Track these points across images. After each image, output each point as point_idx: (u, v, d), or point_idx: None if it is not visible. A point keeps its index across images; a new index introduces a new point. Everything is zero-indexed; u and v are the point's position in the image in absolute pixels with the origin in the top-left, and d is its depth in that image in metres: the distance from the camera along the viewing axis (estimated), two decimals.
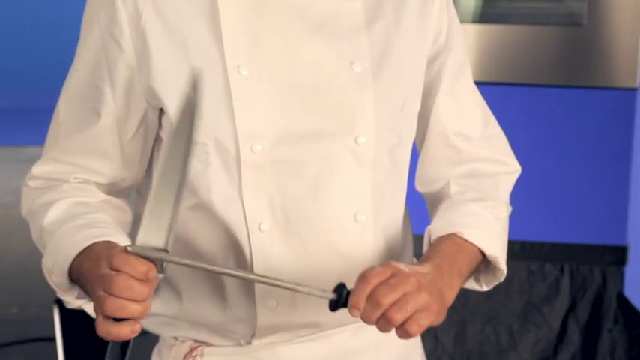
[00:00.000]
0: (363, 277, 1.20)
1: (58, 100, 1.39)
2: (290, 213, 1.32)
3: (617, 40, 2.98)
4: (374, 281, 1.19)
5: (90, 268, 1.20)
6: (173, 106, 1.26)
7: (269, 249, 1.33)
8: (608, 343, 3.00)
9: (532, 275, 3.03)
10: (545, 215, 3.07)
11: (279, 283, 1.18)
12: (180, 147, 1.15)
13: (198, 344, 1.41)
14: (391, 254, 1.41)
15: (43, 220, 1.33)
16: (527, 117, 3.05)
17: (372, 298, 1.18)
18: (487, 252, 1.38)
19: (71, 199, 1.35)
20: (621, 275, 3.00)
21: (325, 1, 1.34)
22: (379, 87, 1.35)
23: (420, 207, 1.51)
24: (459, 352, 3.07)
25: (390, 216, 1.41)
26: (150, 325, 1.41)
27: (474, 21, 3.08)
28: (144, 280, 1.13)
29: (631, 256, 3.00)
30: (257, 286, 1.34)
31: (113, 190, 1.40)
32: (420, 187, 1.50)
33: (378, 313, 1.18)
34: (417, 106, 1.42)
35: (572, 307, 3.03)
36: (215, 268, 1.20)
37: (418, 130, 1.44)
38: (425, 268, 1.26)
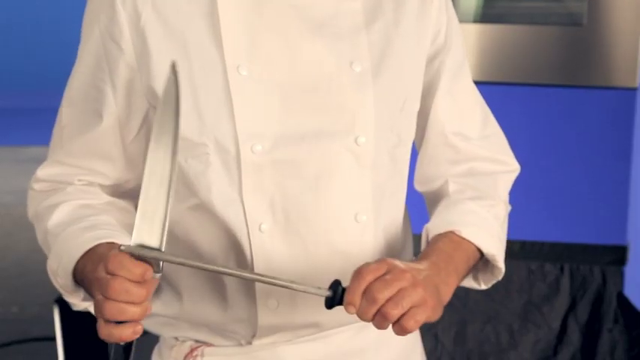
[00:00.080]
0: (358, 273, 1.20)
1: (61, 102, 1.39)
2: (290, 213, 1.32)
3: (617, 40, 2.98)
4: (369, 277, 1.19)
5: (91, 270, 1.20)
6: None
7: (269, 249, 1.33)
8: (608, 343, 3.00)
9: (532, 275, 3.03)
10: (545, 215, 3.07)
11: (275, 281, 1.18)
12: (164, 143, 1.15)
13: (198, 344, 1.41)
14: (391, 254, 1.41)
15: (48, 222, 1.34)
16: (527, 117, 3.05)
17: (367, 294, 1.18)
18: (485, 250, 1.38)
19: (75, 201, 1.36)
20: (621, 275, 3.00)
21: (325, 1, 1.34)
22: (379, 87, 1.35)
23: (419, 207, 1.51)
24: (459, 352, 3.07)
25: (390, 216, 1.41)
26: (150, 325, 1.41)
27: (474, 21, 3.08)
28: (141, 282, 1.13)
29: (631, 255, 3.00)
30: (257, 286, 1.34)
31: (117, 191, 1.40)
32: (418, 186, 1.50)
33: (373, 309, 1.18)
34: (416, 106, 1.42)
35: (572, 307, 3.03)
36: (210, 266, 1.20)
37: (417, 129, 1.44)
38: (421, 265, 1.26)
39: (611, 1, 2.97)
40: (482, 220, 1.40)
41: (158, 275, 1.16)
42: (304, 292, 1.19)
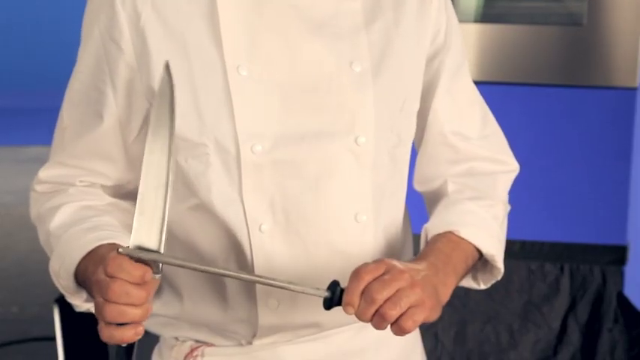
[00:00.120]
0: (356, 273, 1.20)
1: (62, 103, 1.39)
2: (290, 213, 1.32)
3: (617, 40, 2.98)
4: (367, 278, 1.19)
5: (93, 272, 1.20)
6: None
7: (269, 249, 1.33)
8: (608, 343, 3.00)
9: (532, 275, 3.03)
10: (545, 215, 3.07)
11: (273, 282, 1.18)
12: (160, 144, 1.15)
13: (198, 344, 1.41)
14: (391, 254, 1.41)
15: (50, 224, 1.34)
16: (527, 116, 3.05)
17: (365, 294, 1.18)
18: (484, 250, 1.38)
19: (77, 202, 1.36)
20: (621, 275, 2.99)
21: (325, 1, 1.34)
22: (379, 87, 1.35)
23: (419, 207, 1.51)
24: (459, 352, 3.07)
25: (390, 216, 1.41)
26: (150, 325, 1.41)
27: (474, 20, 3.07)
28: (140, 284, 1.13)
29: (631, 255, 3.00)
30: (258, 286, 1.34)
31: (119, 192, 1.41)
32: (417, 186, 1.50)
33: (372, 310, 1.18)
34: (416, 106, 1.42)
35: (572, 307, 3.03)
36: (209, 268, 1.19)
37: (416, 129, 1.44)
38: (419, 265, 1.26)
39: (611, 1, 2.97)
40: (481, 220, 1.40)
41: (158, 276, 1.16)
42: (303, 293, 1.19)
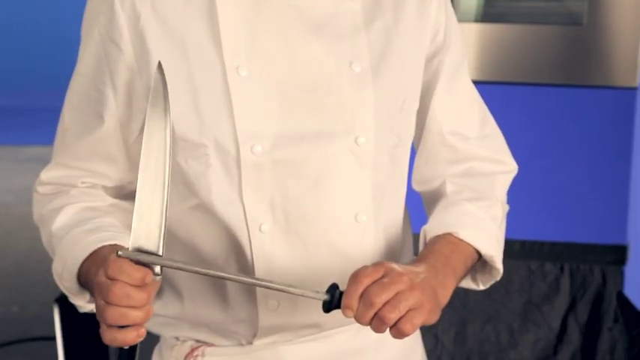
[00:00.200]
0: (355, 277, 1.20)
1: (63, 104, 1.39)
2: (290, 213, 1.32)
3: (617, 40, 2.98)
4: (366, 281, 1.19)
5: (94, 273, 1.20)
6: (174, 107, 1.26)
7: (270, 250, 1.33)
8: (608, 343, 3.00)
9: (532, 274, 3.03)
10: (545, 214, 3.07)
11: (272, 285, 1.18)
12: (156, 146, 1.15)
13: (199, 344, 1.41)
14: (391, 254, 1.41)
15: (52, 225, 1.34)
16: (527, 116, 3.05)
17: (364, 298, 1.18)
18: (483, 252, 1.37)
19: (79, 203, 1.36)
20: (621, 274, 2.99)
21: (324, 1, 1.34)
22: (379, 87, 1.35)
23: (420, 206, 1.51)
24: (459, 352, 3.07)
25: (390, 216, 1.41)
26: (151, 325, 1.41)
27: (474, 20, 3.07)
28: (141, 286, 1.13)
29: (631, 255, 3.00)
30: (258, 287, 1.34)
31: (120, 193, 1.41)
32: (416, 186, 1.50)
33: (371, 313, 1.18)
34: (415, 105, 1.42)
35: (572, 307, 3.03)
36: (208, 271, 1.19)
37: (415, 128, 1.44)
38: (418, 268, 1.26)
39: (612, 0, 2.97)
40: (479, 221, 1.40)
41: (158, 278, 1.16)
42: (302, 296, 1.19)
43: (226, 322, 1.37)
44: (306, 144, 1.32)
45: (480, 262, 1.40)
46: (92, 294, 1.25)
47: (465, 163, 1.46)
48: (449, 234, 1.36)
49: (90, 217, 1.34)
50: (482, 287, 1.44)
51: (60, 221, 1.34)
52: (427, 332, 2.96)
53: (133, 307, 1.13)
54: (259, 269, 1.32)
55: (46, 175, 1.40)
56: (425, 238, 1.38)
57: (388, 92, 1.36)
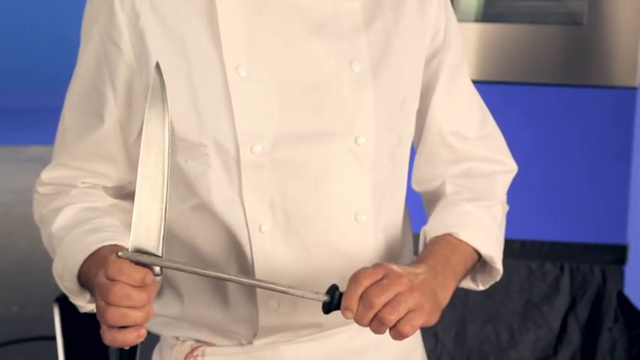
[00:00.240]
0: (355, 278, 1.20)
1: (64, 104, 1.40)
2: (290, 214, 1.32)
3: (617, 39, 2.98)
4: (365, 282, 1.19)
5: (95, 274, 1.20)
6: (173, 107, 1.26)
7: (270, 250, 1.33)
8: (608, 342, 3.00)
9: (532, 274, 3.03)
10: (545, 214, 3.07)
11: (272, 286, 1.18)
12: (155, 146, 1.15)
13: (199, 344, 1.41)
14: (392, 254, 1.41)
15: (52, 226, 1.34)
16: (528, 116, 3.05)
17: (364, 299, 1.18)
18: (483, 252, 1.37)
19: (79, 204, 1.36)
20: (621, 274, 3.00)
21: (324, 1, 1.34)
22: (379, 87, 1.35)
23: (420, 206, 1.51)
24: (459, 351, 3.07)
25: (390, 216, 1.41)
26: (151, 325, 1.41)
27: (475, 20, 3.08)
28: (141, 287, 1.13)
29: (631, 255, 3.00)
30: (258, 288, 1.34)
31: (121, 193, 1.41)
32: (416, 186, 1.50)
33: (370, 315, 1.18)
34: (415, 105, 1.42)
35: (572, 306, 3.03)
36: (208, 272, 1.19)
37: (415, 128, 1.44)
38: (418, 269, 1.26)
39: (612, 0, 2.97)
40: (479, 221, 1.40)
41: (159, 278, 1.16)
42: (302, 297, 1.19)
43: (226, 322, 1.37)
44: (306, 144, 1.32)
45: (480, 263, 1.40)
46: (92, 294, 1.25)
47: (464, 164, 1.46)
48: (449, 235, 1.36)
49: (90, 217, 1.34)
50: (482, 287, 1.44)
51: (60, 221, 1.34)
52: (427, 332, 2.96)
53: (133, 307, 1.13)
54: (259, 269, 1.32)
55: (46, 175, 1.41)
56: (425, 239, 1.38)
57: (388, 92, 1.36)
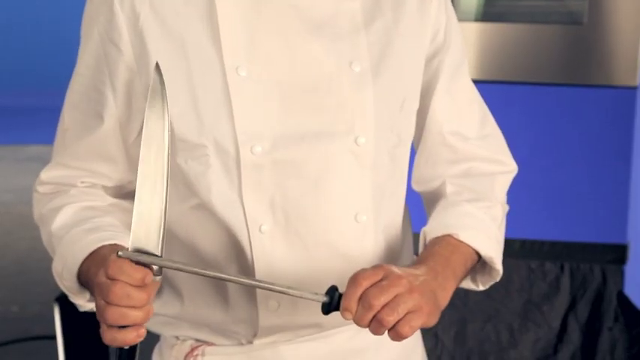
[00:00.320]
0: (354, 279, 1.20)
1: (63, 104, 1.40)
2: (290, 214, 1.32)
3: (617, 39, 2.98)
4: (365, 283, 1.19)
5: (94, 273, 1.20)
6: (173, 107, 1.26)
7: (270, 250, 1.33)
8: (608, 342, 3.00)
9: (532, 274, 3.03)
10: (545, 214, 3.07)
11: (272, 287, 1.18)
12: (155, 146, 1.15)
13: (199, 344, 1.41)
14: (392, 254, 1.41)
15: (52, 225, 1.34)
16: (528, 116, 3.05)
17: (363, 300, 1.18)
18: (483, 253, 1.37)
19: (79, 203, 1.36)
20: (621, 274, 3.00)
21: (324, 1, 1.34)
22: (379, 87, 1.35)
23: (420, 206, 1.51)
24: (459, 351, 3.07)
25: (390, 216, 1.41)
26: (151, 324, 1.41)
27: (475, 19, 3.07)
28: (141, 286, 1.13)
29: (631, 254, 3.00)
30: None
31: (120, 193, 1.41)
32: (416, 186, 1.50)
33: (369, 316, 1.18)
34: (415, 105, 1.42)
35: (572, 306, 3.03)
36: (208, 272, 1.19)
37: (415, 128, 1.44)
38: (418, 270, 1.26)
39: (612, 0, 2.97)
40: (479, 222, 1.40)
41: (158, 278, 1.16)
42: (301, 297, 1.19)
43: (226, 322, 1.37)
44: (306, 144, 1.32)
45: (480, 263, 1.40)
46: (92, 293, 1.25)
47: (464, 164, 1.46)
48: (449, 235, 1.36)
49: (89, 216, 1.34)
50: (481, 288, 1.44)
51: (60, 221, 1.34)
52: (427, 332, 2.96)
53: (133, 307, 1.13)
54: (259, 269, 1.32)
55: (46, 174, 1.41)
56: (425, 240, 1.38)
57: (388, 92, 1.36)
